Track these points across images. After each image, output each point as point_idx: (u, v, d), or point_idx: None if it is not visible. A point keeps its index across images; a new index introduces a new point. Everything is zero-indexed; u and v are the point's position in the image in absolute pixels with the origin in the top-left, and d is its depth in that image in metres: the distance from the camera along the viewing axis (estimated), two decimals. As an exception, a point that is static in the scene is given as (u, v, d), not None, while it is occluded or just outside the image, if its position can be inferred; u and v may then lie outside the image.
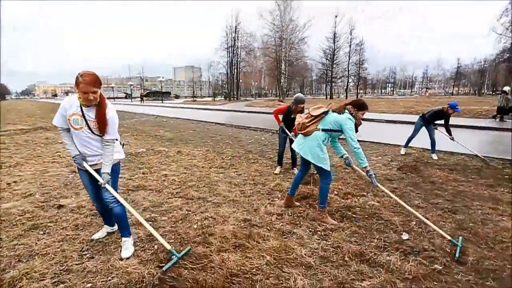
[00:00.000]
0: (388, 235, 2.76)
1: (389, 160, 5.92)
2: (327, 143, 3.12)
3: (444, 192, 4.00)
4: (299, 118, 3.16)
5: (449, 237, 2.56)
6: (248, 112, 21.43)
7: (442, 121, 6.00)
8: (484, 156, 5.77)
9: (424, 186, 4.26)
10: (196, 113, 21.40)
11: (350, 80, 49.23)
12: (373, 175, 2.86)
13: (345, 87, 50.73)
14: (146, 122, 14.77)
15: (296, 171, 4.45)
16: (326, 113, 3.04)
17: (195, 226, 2.96)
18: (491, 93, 62.77)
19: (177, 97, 69.21)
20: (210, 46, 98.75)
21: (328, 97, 48.35)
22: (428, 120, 6.15)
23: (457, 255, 2.35)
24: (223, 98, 49.53)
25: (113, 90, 74.96)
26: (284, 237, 2.73)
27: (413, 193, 3.96)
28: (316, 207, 3.22)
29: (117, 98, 68.38)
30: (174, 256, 2.23)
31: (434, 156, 6.05)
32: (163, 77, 63.22)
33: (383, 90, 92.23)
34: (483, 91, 62.76)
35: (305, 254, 2.40)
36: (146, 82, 78.77)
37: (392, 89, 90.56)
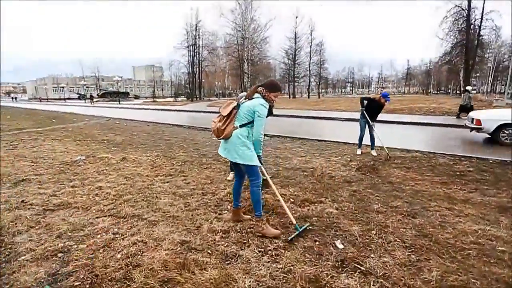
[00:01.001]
0: (347, 250, 2.43)
1: (348, 160, 5.77)
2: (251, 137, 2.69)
3: (403, 193, 3.85)
4: (213, 124, 2.72)
5: (294, 222, 2.69)
6: (209, 112, 20.68)
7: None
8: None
9: (383, 187, 4.08)
10: (154, 114, 20.15)
11: (312, 80, 50.50)
12: (261, 158, 2.84)
13: (308, 87, 51.88)
14: (95, 125, 13.40)
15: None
16: (238, 107, 2.68)
17: (119, 256, 2.38)
18: (436, 92, 68.83)
19: (137, 97, 65.42)
20: (171, 45, 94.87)
21: (291, 96, 49.14)
22: (366, 110, 6.14)
23: (290, 238, 2.56)
24: (185, 98, 47.82)
25: (63, 90, 68.90)
26: (227, 262, 2.27)
27: (373, 196, 3.74)
28: (269, 218, 2.83)
29: (68, 99, 63.00)
30: None
31: (373, 152, 6.24)
32: (120, 77, 59.45)
33: (343, 90, 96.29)
34: (429, 91, 68.55)
35: (249, 286, 1.96)
36: (102, 81, 73.12)
37: (351, 88, 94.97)
